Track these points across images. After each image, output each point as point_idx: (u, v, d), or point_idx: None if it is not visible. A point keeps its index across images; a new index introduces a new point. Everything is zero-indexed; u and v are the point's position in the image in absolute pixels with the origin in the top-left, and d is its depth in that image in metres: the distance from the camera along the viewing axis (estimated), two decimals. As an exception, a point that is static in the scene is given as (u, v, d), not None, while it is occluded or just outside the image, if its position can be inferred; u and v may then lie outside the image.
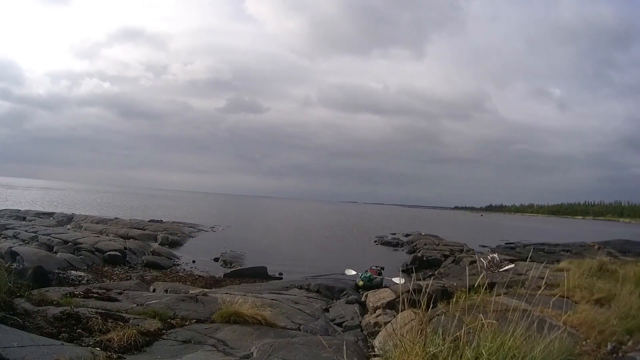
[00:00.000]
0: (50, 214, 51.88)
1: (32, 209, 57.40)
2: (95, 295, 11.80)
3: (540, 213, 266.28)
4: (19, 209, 55.37)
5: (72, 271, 21.63)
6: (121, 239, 32.55)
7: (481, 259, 24.75)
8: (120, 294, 12.77)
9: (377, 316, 13.28)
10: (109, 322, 8.50)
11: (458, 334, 5.41)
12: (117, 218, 52.39)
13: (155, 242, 36.36)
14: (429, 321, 7.98)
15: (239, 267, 27.08)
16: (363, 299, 16.36)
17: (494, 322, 5.56)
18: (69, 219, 48.14)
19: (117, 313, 9.51)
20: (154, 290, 16.46)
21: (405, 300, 10.32)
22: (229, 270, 26.09)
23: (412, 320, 8.00)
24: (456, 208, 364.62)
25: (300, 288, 18.18)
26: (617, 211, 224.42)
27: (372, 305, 14.62)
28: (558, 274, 14.15)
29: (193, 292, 13.91)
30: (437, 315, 9.73)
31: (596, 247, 42.64)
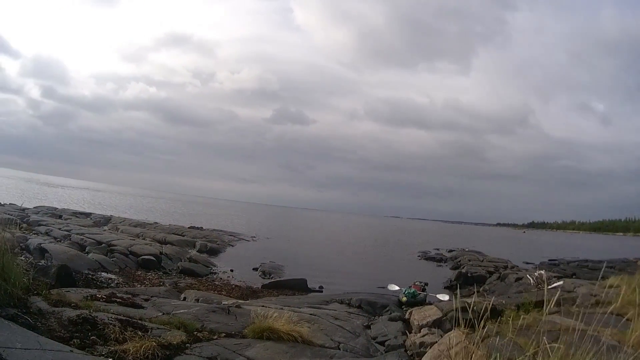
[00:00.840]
0: (88, 214, 51.22)
1: (70, 208, 57.28)
2: (118, 300, 10.84)
3: (582, 230, 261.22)
4: (56, 207, 55.00)
5: (103, 273, 20.98)
6: (158, 244, 31.92)
7: (527, 275, 23.88)
8: (147, 300, 11.88)
9: (423, 336, 12.21)
10: (128, 330, 7.60)
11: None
12: (156, 223, 51.66)
13: (194, 248, 35.46)
14: (480, 342, 7.28)
15: (278, 279, 26.04)
16: (407, 316, 15.23)
17: (560, 345, 5.25)
18: (106, 220, 47.53)
19: (140, 321, 8.57)
20: (185, 298, 15.58)
21: (453, 319, 10.41)
22: (267, 281, 24.96)
23: (461, 341, 7.57)
24: (498, 224, 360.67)
25: (341, 303, 17.21)
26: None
27: (417, 324, 13.64)
28: (608, 290, 13.28)
29: (226, 302, 13.01)
30: (489, 336, 8.19)
31: (639, 263, 41.36)
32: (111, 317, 8.15)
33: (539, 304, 13.11)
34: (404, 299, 19.49)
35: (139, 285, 19.35)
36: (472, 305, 13.17)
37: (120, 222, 46.12)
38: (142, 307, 10.64)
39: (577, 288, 18.62)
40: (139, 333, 7.59)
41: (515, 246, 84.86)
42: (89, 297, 10.42)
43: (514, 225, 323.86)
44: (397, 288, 22.07)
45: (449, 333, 10.19)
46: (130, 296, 12.05)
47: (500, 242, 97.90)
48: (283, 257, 35.93)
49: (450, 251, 58.05)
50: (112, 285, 18.42)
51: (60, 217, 43.66)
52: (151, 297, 12.87)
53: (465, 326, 11.17)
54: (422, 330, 12.98)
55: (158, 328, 8.39)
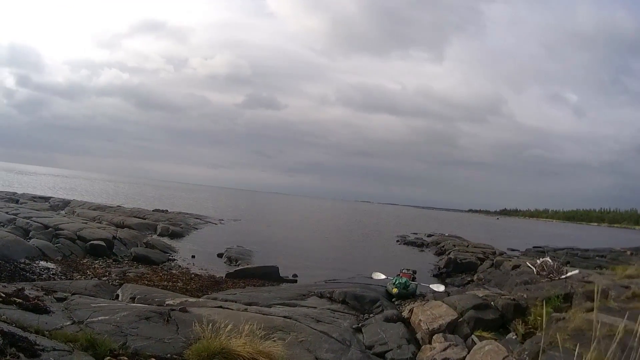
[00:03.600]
0: (47, 199, 48.69)
1: (30, 193, 54.39)
2: (19, 300, 7.59)
3: (555, 218, 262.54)
4: (16, 192, 51.84)
5: (42, 262, 18.24)
6: (113, 228, 28.90)
7: (528, 263, 22.10)
8: (62, 300, 8.66)
9: (444, 349, 9.39)
10: (6, 355, 4.62)
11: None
12: (119, 206, 49.18)
13: (155, 233, 32.84)
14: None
15: (245, 266, 22.87)
16: (406, 314, 12.63)
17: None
18: (65, 204, 44.90)
19: (32, 336, 5.47)
20: (117, 296, 12.30)
21: (472, 320, 10.10)
22: (233, 269, 21.63)
23: (504, 358, 6.90)
24: (470, 211, 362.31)
25: (321, 297, 14.30)
26: (633, 219, 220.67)
27: (424, 327, 10.88)
28: (631, 281, 12.68)
29: (171, 302, 9.83)
30: (536, 344, 7.20)
31: (629, 253, 40.33)
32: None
33: (568, 298, 11.83)
34: (395, 290, 16.81)
35: (78, 276, 16.82)
36: (493, 302, 10.73)
37: (79, 206, 43.70)
38: (48, 312, 7.42)
39: (588, 278, 16.51)
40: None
41: (493, 232, 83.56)
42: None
43: (486, 212, 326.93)
44: (383, 277, 19.88)
45: (480, 345, 8.80)
46: (42, 294, 8.87)
47: (476, 228, 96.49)
48: (252, 242, 33.26)
49: (430, 235, 56.09)
50: (45, 276, 15.94)
51: (17, 201, 40.79)
52: (72, 294, 9.59)
53: (486, 329, 10.24)
54: (434, 337, 10.31)
55: (54, 349, 5.28)
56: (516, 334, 10.00)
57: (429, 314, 11.40)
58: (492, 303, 11.81)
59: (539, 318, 10.24)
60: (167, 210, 51.25)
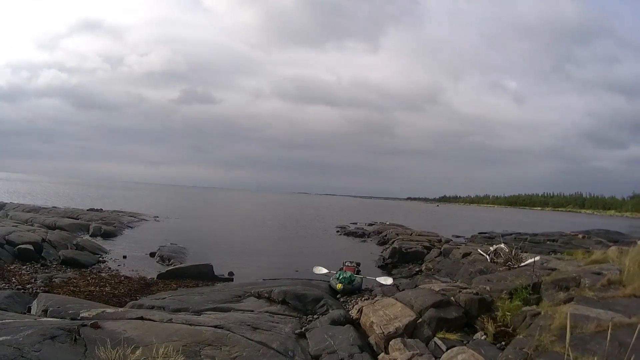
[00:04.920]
0: (-18, 203, 46.73)
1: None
2: None
3: (497, 204, 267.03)
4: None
5: None
6: (44, 230, 27.21)
7: (479, 250, 21.39)
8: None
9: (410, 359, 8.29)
10: None
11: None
12: (54, 207, 48.16)
13: (88, 233, 31.41)
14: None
15: (178, 265, 21.69)
16: (355, 314, 11.46)
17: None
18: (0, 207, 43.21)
19: None
20: (29, 309, 11.02)
21: (433, 320, 9.17)
22: (165, 270, 20.42)
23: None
24: (409, 199, 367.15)
25: (259, 297, 13.32)
26: (579, 202, 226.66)
27: (378, 331, 9.67)
28: (603, 267, 12.40)
29: (87, 314, 8.82)
30: (521, 350, 6.44)
31: (581, 236, 40.46)
32: None
33: (535, 288, 11.11)
34: (339, 285, 16.04)
35: (2, 285, 15.51)
36: (454, 299, 10.57)
37: (14, 208, 42.22)
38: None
39: (548, 264, 16.41)
40: None
41: (435, 219, 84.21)
42: None
43: (425, 199, 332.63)
44: (325, 271, 19.07)
45: (451, 354, 7.70)
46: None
47: (417, 216, 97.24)
48: (187, 239, 32.17)
49: (371, 225, 55.84)
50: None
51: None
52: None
53: (453, 330, 9.45)
54: (391, 343, 9.07)
55: None
56: (485, 334, 8.92)
57: (382, 315, 10.28)
58: (452, 299, 10.83)
59: (509, 314, 9.56)
60: (101, 209, 49.78)
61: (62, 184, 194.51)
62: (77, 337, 6.70)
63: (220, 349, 7.06)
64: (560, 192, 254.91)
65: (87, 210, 46.53)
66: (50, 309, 10.18)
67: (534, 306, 9.67)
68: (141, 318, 8.51)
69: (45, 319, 8.83)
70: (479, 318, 10.01)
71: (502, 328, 9.14)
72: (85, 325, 7.39)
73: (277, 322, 10.62)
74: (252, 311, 11.48)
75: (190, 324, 8.47)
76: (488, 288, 11.50)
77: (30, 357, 5.88)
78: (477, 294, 10.99)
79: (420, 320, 9.74)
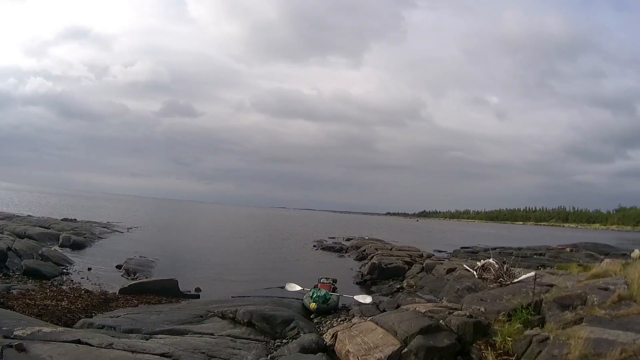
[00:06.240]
0: (-42, 211, 45.95)
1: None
2: None
3: (477, 219, 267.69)
4: None
5: None
6: (12, 238, 26.46)
7: (465, 266, 20.54)
8: None
9: None
10: None
11: None
12: (29, 215, 48.31)
13: (57, 243, 30.74)
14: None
15: (143, 279, 20.69)
16: (329, 340, 10.24)
17: None
18: (-23, 216, 42.25)
19: None
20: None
21: (420, 349, 7.81)
22: (127, 284, 19.13)
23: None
24: (388, 214, 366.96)
25: (223, 317, 12.33)
26: (562, 216, 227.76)
27: None
28: (608, 281, 11.52)
29: (21, 332, 7.94)
30: None
31: (568, 249, 40.84)
32: None
33: (536, 308, 10.19)
34: (313, 305, 15.11)
35: None
36: (445, 323, 9.54)
37: None
38: None
39: (541, 280, 15.18)
40: None
41: (415, 234, 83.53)
42: None
43: (405, 215, 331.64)
44: (299, 288, 18.02)
45: None
46: None
47: (396, 230, 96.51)
48: (158, 252, 31.33)
49: (349, 239, 54.70)
50: None
51: None
52: None
53: None
54: None
55: None
56: (486, 366, 8.09)
57: (360, 342, 9.16)
58: (442, 322, 9.65)
59: (510, 339, 8.52)
60: (75, 219, 49.25)
61: (43, 193, 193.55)
62: (-1, 359, 5.86)
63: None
64: (543, 206, 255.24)
65: (61, 219, 46.10)
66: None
67: (537, 328, 8.77)
68: (78, 341, 7.61)
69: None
70: (474, 345, 8.92)
71: (504, 357, 8.18)
72: (11, 346, 6.58)
73: (239, 349, 9.55)
74: (212, 334, 10.43)
75: (132, 351, 7.53)
76: (482, 309, 10.44)
77: None
78: (470, 316, 9.89)
79: (405, 349, 8.55)
